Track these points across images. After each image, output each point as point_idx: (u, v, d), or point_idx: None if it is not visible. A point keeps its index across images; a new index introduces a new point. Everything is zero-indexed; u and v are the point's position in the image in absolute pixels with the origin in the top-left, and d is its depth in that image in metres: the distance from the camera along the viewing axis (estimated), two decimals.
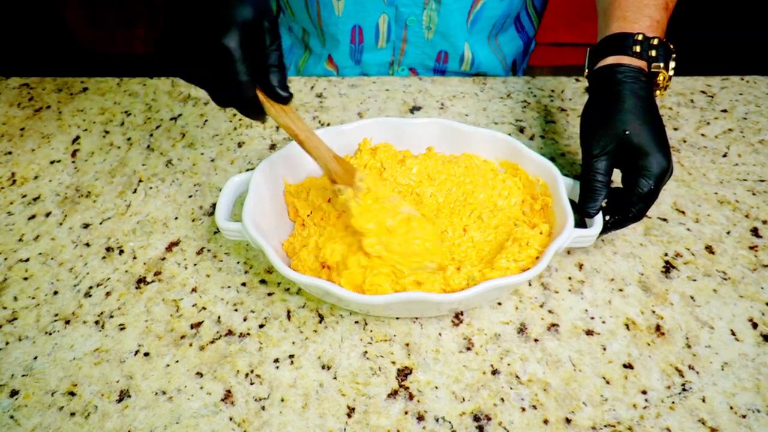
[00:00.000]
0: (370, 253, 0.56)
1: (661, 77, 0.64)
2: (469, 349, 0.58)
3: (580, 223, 0.62)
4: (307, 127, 0.56)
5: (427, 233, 0.57)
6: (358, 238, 0.57)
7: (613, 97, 0.61)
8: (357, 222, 0.56)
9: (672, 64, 0.63)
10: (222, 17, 0.47)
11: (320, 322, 0.60)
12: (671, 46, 0.64)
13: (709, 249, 0.67)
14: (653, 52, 0.63)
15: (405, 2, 0.87)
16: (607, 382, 0.55)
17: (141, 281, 0.64)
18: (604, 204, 0.60)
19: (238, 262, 0.66)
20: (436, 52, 0.94)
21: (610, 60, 0.63)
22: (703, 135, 0.82)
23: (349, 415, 0.53)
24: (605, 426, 0.52)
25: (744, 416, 0.53)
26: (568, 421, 0.52)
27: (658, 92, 0.65)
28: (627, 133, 0.59)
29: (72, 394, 0.55)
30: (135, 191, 0.75)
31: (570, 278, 0.64)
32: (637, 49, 0.63)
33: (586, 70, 0.68)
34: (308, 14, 0.92)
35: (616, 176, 0.63)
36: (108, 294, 0.63)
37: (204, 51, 0.47)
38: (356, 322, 0.60)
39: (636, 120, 0.59)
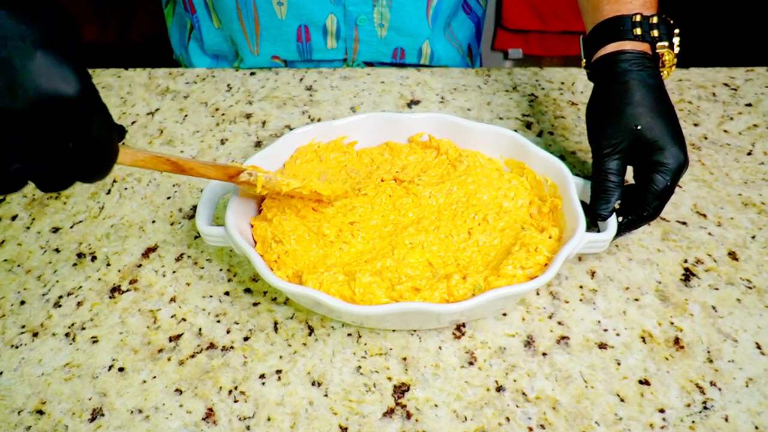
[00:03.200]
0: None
1: (666, 57, 0.64)
2: (471, 363, 0.58)
3: (592, 227, 0.63)
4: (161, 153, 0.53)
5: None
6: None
7: (619, 89, 0.61)
8: (324, 189, 0.62)
9: (676, 41, 0.63)
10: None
11: (310, 334, 0.60)
12: (671, 21, 0.64)
13: (733, 255, 0.67)
14: (655, 32, 0.62)
15: (353, 0, 0.87)
16: (622, 400, 0.55)
17: (115, 290, 0.65)
18: (617, 205, 0.60)
19: (220, 270, 0.66)
20: (391, 49, 0.94)
21: (611, 48, 0.63)
22: (725, 131, 0.82)
23: None
24: None
25: None
26: None
27: (664, 72, 0.65)
28: (639, 128, 0.59)
29: (40, 412, 0.55)
30: (109, 192, 0.75)
31: (581, 287, 0.64)
32: (638, 31, 0.62)
33: (584, 60, 0.68)
34: (240, 22, 0.90)
35: (629, 173, 0.64)
36: (79, 304, 0.63)
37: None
38: (349, 334, 0.60)
39: (647, 113, 0.60)
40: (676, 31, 0.63)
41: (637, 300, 0.63)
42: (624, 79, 0.61)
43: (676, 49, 0.64)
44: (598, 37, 0.65)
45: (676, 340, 0.60)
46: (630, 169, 0.63)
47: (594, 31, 0.66)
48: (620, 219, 0.61)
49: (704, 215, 0.71)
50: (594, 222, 0.62)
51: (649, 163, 0.59)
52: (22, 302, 0.64)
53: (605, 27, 0.64)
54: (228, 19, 0.91)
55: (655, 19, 0.63)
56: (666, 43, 0.63)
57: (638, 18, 0.62)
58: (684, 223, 0.70)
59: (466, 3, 0.99)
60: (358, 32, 0.91)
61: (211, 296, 0.64)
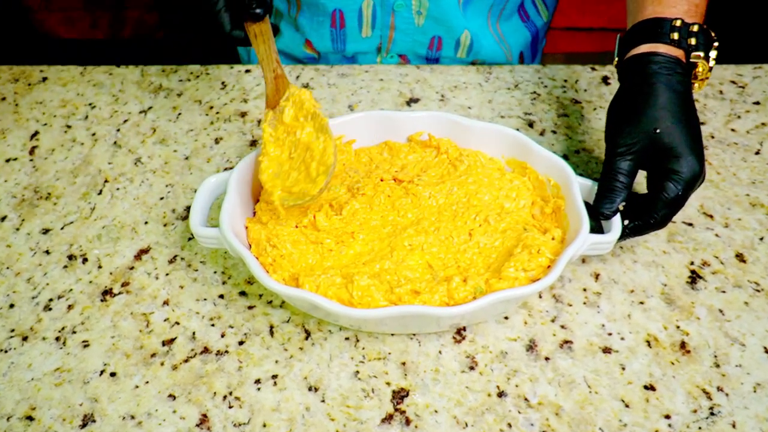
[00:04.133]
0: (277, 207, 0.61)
1: (700, 68, 0.63)
2: (472, 368, 0.58)
3: (596, 229, 0.63)
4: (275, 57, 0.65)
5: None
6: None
7: (645, 90, 0.61)
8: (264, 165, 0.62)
9: (713, 54, 0.63)
10: None
11: (306, 338, 0.61)
12: (713, 34, 0.63)
13: (740, 257, 0.67)
14: (693, 40, 0.62)
15: None
16: (627, 406, 0.55)
17: (107, 293, 0.65)
18: (621, 207, 0.60)
19: (215, 272, 0.66)
20: (428, 38, 0.94)
21: (644, 48, 0.63)
22: (733, 130, 0.82)
23: None
24: None
25: None
26: None
27: (696, 84, 0.65)
28: (657, 131, 0.59)
29: (30, 418, 0.55)
30: (100, 193, 0.75)
31: (585, 290, 0.64)
32: (675, 36, 0.62)
33: (616, 59, 0.68)
34: None
35: (640, 180, 0.63)
36: (70, 307, 0.63)
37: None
38: (347, 338, 0.60)
39: (669, 117, 0.59)
40: (716, 44, 0.63)
41: (642, 303, 0.63)
42: (651, 81, 0.61)
43: (712, 63, 0.63)
44: (634, 37, 0.65)
45: (682, 345, 0.60)
46: (641, 174, 0.63)
47: (632, 30, 0.66)
48: (626, 222, 0.60)
49: (711, 216, 0.71)
50: (598, 224, 0.62)
51: (663, 170, 0.59)
52: (11, 305, 0.64)
53: (643, 27, 0.64)
54: None
55: (695, 28, 0.63)
56: (701, 54, 0.62)
57: (678, 23, 0.62)
58: (690, 225, 0.70)
59: (523, 9, 0.98)
60: (395, 19, 0.91)
61: (205, 299, 0.64)
